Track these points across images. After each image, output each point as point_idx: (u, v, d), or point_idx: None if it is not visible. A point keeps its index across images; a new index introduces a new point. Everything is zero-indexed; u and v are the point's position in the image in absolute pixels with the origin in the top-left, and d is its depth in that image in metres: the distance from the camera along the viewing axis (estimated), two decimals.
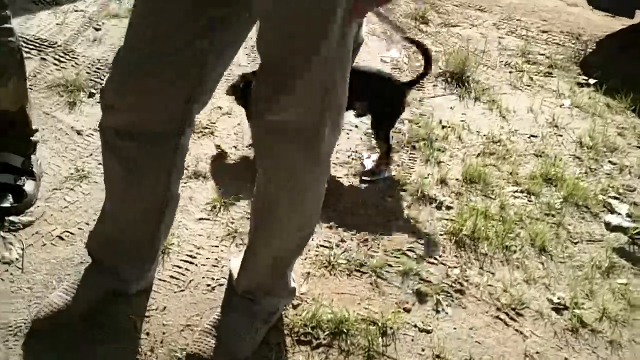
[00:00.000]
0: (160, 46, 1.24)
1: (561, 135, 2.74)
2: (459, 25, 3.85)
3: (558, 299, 1.84)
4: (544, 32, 3.87)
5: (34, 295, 1.64)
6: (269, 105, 1.23)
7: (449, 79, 3.11)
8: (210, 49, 1.26)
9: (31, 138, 2.03)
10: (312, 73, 1.17)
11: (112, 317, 1.58)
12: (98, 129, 1.39)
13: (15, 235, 1.84)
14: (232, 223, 1.98)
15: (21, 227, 1.87)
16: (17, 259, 1.75)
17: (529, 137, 2.70)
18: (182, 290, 1.71)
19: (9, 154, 1.98)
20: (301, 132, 1.26)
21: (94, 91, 2.66)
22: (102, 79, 2.76)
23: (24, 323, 1.55)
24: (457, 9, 4.10)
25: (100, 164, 2.17)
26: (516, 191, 2.31)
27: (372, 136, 2.36)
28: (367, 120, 2.63)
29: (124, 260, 1.54)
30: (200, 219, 1.99)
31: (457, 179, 2.34)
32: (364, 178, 2.27)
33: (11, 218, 1.88)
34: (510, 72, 3.29)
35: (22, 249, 1.79)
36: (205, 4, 1.21)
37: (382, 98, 2.23)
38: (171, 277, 1.75)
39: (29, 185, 1.97)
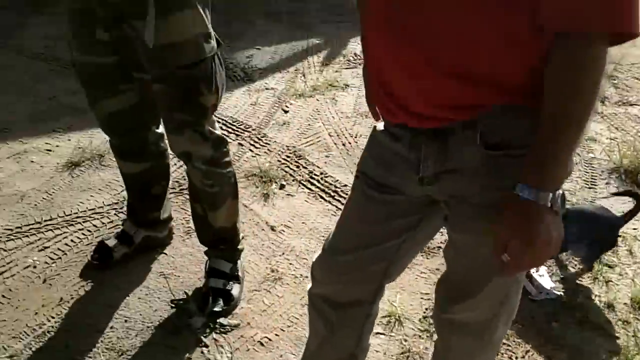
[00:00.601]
0: (357, 242, 1.49)
1: None
2: (637, 105, 3.78)
3: None
4: None
5: None
6: (446, 308, 1.44)
7: (623, 176, 3.10)
8: (403, 245, 1.49)
9: (238, 247, 2.39)
10: (487, 291, 1.36)
11: None
12: (307, 294, 1.67)
13: (225, 337, 2.19)
14: (406, 341, 2.20)
15: (229, 329, 2.22)
16: None
17: None
18: None
19: (219, 260, 2.35)
20: (474, 328, 1.45)
21: (284, 182, 3.01)
22: (290, 169, 3.11)
23: None
24: (638, 82, 4.01)
25: (290, 264, 2.51)
26: None
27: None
28: None
29: None
30: (377, 333, 2.24)
31: (625, 303, 2.38)
32: (531, 297, 2.39)
33: (221, 320, 2.24)
34: None
35: (231, 353, 2.13)
36: (398, 214, 1.44)
37: (599, 233, 2.35)
38: None
39: (235, 289, 2.32)
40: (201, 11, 1.86)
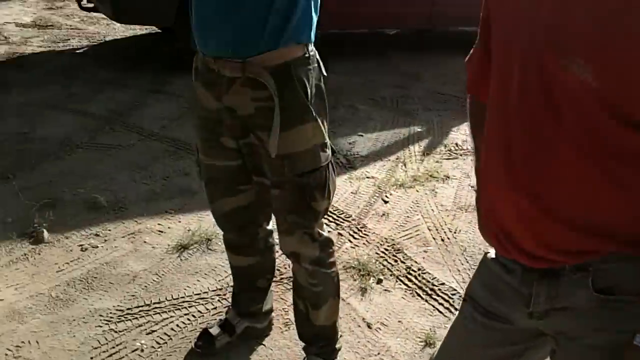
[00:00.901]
0: None
1: None
2: None
3: None
4: None
5: None
6: None
7: None
8: None
9: (336, 346, 2.41)
10: None
11: None
12: None
13: None
14: None
15: None
16: None
17: None
18: None
19: (317, 358, 2.37)
20: None
21: (381, 277, 3.02)
22: (388, 263, 3.12)
23: None
24: None
25: None
26: None
27: None
28: None
29: None
30: None
31: None
32: None
33: None
34: None
35: None
36: (505, 342, 1.43)
37: None
38: None
39: None
40: (320, 124, 1.96)
